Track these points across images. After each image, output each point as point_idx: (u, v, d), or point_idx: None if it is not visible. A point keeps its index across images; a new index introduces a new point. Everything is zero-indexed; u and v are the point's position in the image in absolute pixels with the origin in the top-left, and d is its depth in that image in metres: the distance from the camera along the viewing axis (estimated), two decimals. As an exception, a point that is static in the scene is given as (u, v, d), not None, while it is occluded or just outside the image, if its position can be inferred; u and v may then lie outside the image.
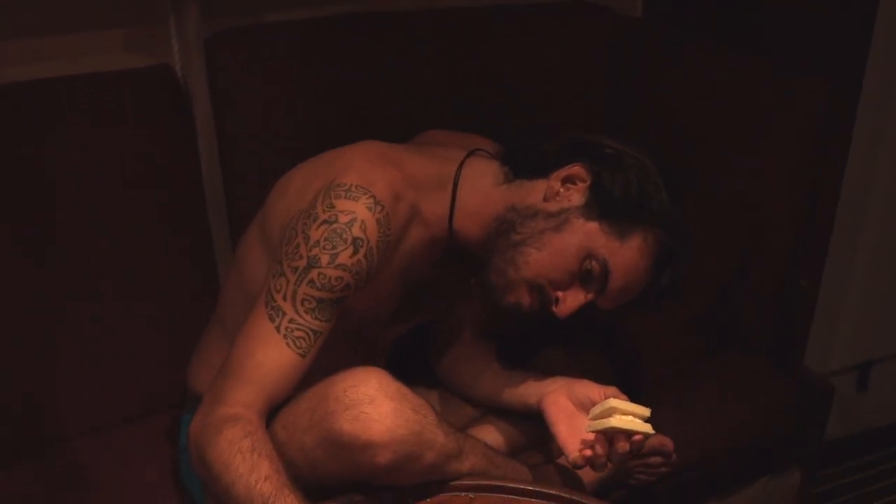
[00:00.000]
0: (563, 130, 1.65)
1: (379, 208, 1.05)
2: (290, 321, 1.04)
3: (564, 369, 1.24)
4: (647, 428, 1.10)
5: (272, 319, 1.04)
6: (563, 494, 1.11)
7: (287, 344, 1.04)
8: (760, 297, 1.59)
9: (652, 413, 1.12)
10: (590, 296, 1.11)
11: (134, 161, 1.37)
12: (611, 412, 1.10)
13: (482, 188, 1.14)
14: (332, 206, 1.04)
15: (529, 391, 1.22)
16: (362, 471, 1.02)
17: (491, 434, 1.27)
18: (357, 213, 1.04)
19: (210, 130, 1.45)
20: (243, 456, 0.99)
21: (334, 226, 1.03)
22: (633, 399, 1.13)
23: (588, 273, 1.09)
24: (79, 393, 1.37)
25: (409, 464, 1.03)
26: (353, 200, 1.04)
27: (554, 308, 1.11)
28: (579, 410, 1.17)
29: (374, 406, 1.00)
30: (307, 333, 1.05)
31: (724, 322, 1.58)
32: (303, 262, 1.04)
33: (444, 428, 1.07)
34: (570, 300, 1.10)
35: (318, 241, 1.03)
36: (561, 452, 1.27)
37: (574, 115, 1.74)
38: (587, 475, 1.25)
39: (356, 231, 1.03)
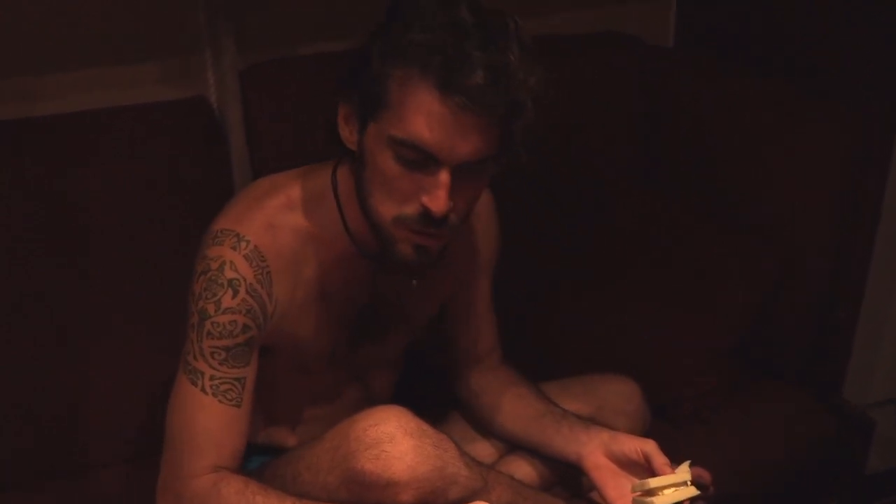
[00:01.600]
0: (595, 161, 1.73)
1: (244, 244, 1.06)
2: (211, 378, 1.06)
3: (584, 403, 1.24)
4: (691, 491, 1.09)
5: (194, 383, 1.06)
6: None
7: (219, 401, 1.06)
8: (797, 328, 1.57)
9: (689, 458, 1.12)
10: (440, 172, 0.98)
11: (169, 191, 1.38)
12: (653, 492, 1.09)
13: (354, 189, 1.09)
14: (205, 257, 1.06)
15: (566, 447, 1.20)
16: None
17: (519, 468, 1.26)
18: (224, 256, 1.05)
19: (244, 161, 1.46)
20: (263, 496, 1.03)
21: (209, 274, 1.05)
22: (669, 430, 1.12)
23: (412, 163, 0.98)
24: (115, 419, 1.38)
25: (434, 500, 1.03)
26: (219, 245, 1.06)
27: (432, 214, 0.99)
28: (621, 468, 1.17)
29: (395, 444, 1.00)
30: (232, 384, 1.07)
31: (759, 353, 1.57)
32: (196, 318, 1.06)
33: (467, 462, 1.07)
34: (431, 192, 0.98)
35: (200, 294, 1.05)
36: (591, 487, 1.27)
37: (606, 145, 1.73)
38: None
39: (228, 273, 1.05)
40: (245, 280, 1.05)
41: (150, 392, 1.38)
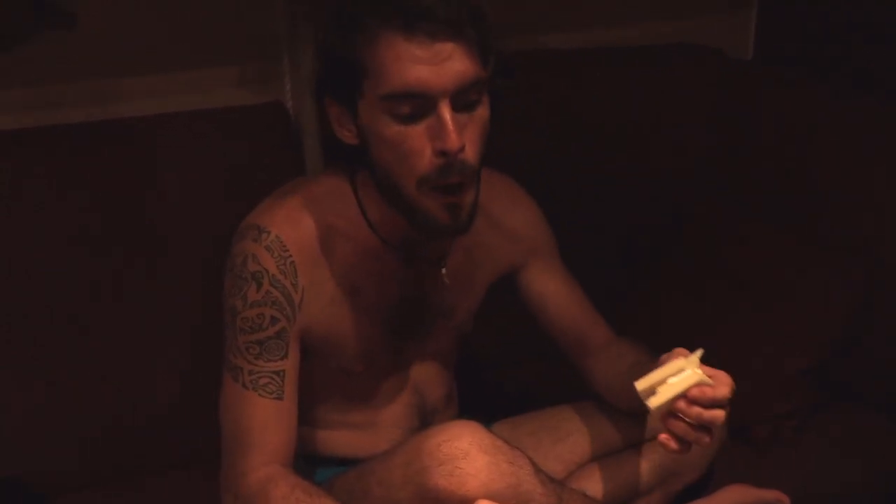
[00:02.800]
0: (673, 176, 1.70)
1: (265, 235, 1.07)
2: (250, 373, 1.07)
3: None
4: (693, 377, 1.01)
5: (236, 380, 1.08)
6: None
7: (259, 395, 1.07)
8: (881, 349, 1.51)
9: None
10: (439, 109, 0.98)
11: (244, 196, 1.31)
12: (650, 392, 1.03)
13: (373, 183, 1.10)
14: (231, 255, 1.09)
15: None
16: None
17: (591, 483, 1.23)
18: (246, 250, 1.07)
19: (320, 168, 1.47)
20: (306, 503, 1.02)
21: (235, 271, 1.07)
22: (748, 453, 1.08)
23: (410, 117, 0.99)
24: (178, 422, 1.38)
25: (508, 518, 1.01)
26: (241, 240, 1.08)
27: (448, 154, 0.99)
28: None
29: (469, 460, 0.99)
30: (271, 378, 1.07)
31: (842, 374, 1.52)
32: (228, 317, 1.08)
33: (541, 479, 1.05)
34: (440, 133, 0.98)
35: (229, 292, 1.08)
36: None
37: (683, 160, 1.72)
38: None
39: (251, 266, 1.06)
40: (268, 272, 1.07)
41: (209, 396, 1.39)
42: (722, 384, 1.03)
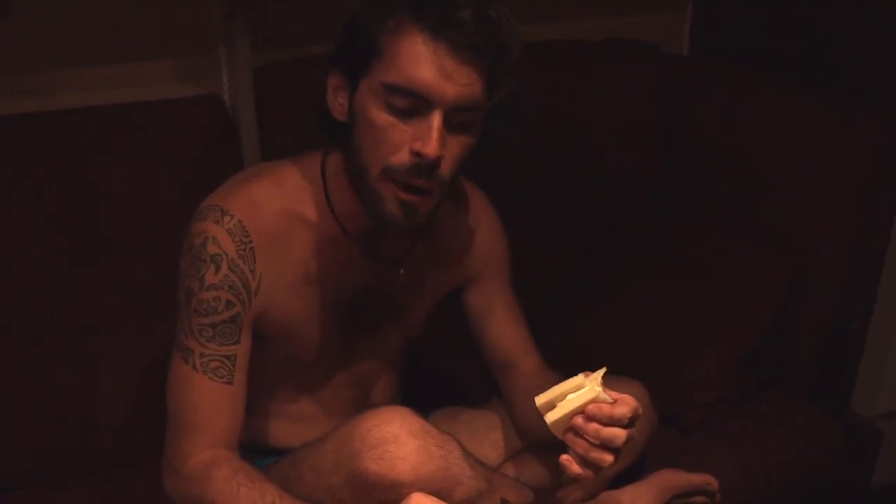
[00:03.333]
0: (611, 168, 1.70)
1: (227, 218, 1.06)
2: (201, 355, 1.07)
3: None
4: (589, 393, 0.97)
5: (185, 361, 1.07)
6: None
7: (209, 378, 1.07)
8: (807, 338, 1.56)
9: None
10: (432, 115, 0.99)
11: (181, 189, 1.37)
12: (550, 407, 1.00)
13: (343, 169, 1.10)
14: (189, 233, 1.08)
15: None
16: None
17: (526, 469, 1.25)
18: (207, 231, 1.06)
19: (257, 160, 1.45)
20: (247, 487, 1.02)
21: (193, 251, 1.07)
22: (677, 438, 1.07)
23: (403, 112, 1.00)
24: (136, 413, 1.37)
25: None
26: (203, 220, 1.07)
27: (423, 159, 1.00)
28: None
29: (399, 444, 1.00)
30: (221, 361, 1.07)
31: (770, 363, 1.55)
32: (183, 296, 1.07)
33: (471, 462, 1.06)
34: (423, 136, 0.99)
35: (186, 272, 1.07)
36: (599, 490, 1.27)
37: (622, 152, 1.73)
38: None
39: (210, 248, 1.06)
40: (227, 255, 1.06)
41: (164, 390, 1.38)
42: (623, 404, 0.98)
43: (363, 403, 1.25)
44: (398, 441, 1.00)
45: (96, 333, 1.35)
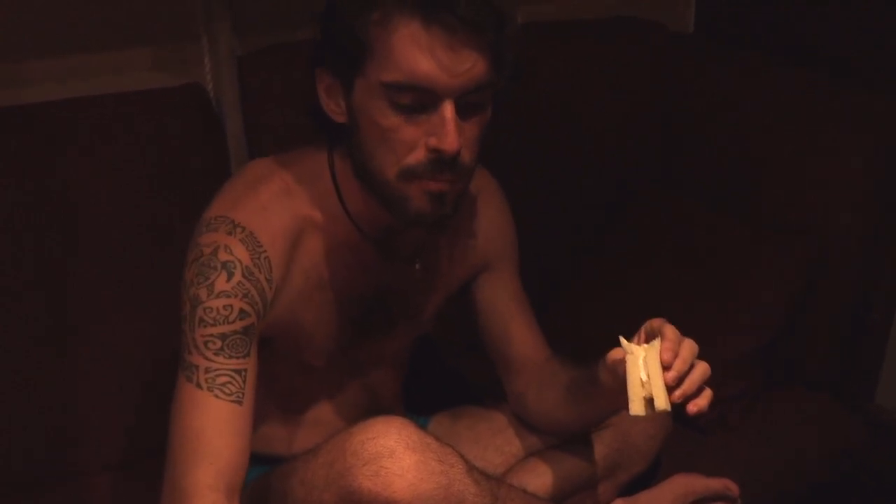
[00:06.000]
0: (613, 153, 1.68)
1: (239, 230, 1.00)
2: (207, 371, 0.97)
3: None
4: (651, 349, 0.98)
5: (190, 379, 0.97)
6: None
7: (215, 396, 0.97)
8: (826, 330, 1.51)
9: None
10: (443, 107, 0.93)
11: (163, 182, 1.34)
12: (648, 400, 0.97)
13: (352, 169, 1.04)
14: (197, 245, 1.01)
15: (590, 378, 1.10)
16: None
17: (535, 477, 1.20)
18: (219, 241, 1.00)
19: (242, 152, 1.41)
20: None
21: (201, 259, 0.99)
22: (693, 436, 1.05)
23: (410, 108, 0.94)
24: (102, 425, 1.33)
25: (438, 521, 0.96)
26: (213, 231, 1.01)
27: (444, 154, 0.94)
28: None
29: (395, 459, 0.94)
30: (231, 377, 0.98)
31: (786, 355, 1.51)
32: (188, 307, 0.99)
33: (475, 477, 1.00)
34: (438, 131, 0.93)
35: (192, 281, 0.99)
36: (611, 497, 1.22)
37: (625, 136, 1.69)
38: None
39: (223, 256, 0.98)
40: (241, 262, 0.99)
41: (142, 394, 1.33)
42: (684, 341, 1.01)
43: (369, 406, 1.20)
44: (394, 455, 0.94)
45: (71, 335, 1.29)
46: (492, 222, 1.20)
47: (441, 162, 0.95)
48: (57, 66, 1.36)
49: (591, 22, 1.69)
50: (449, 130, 0.93)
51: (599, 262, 1.59)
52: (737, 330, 1.43)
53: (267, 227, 1.01)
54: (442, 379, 1.48)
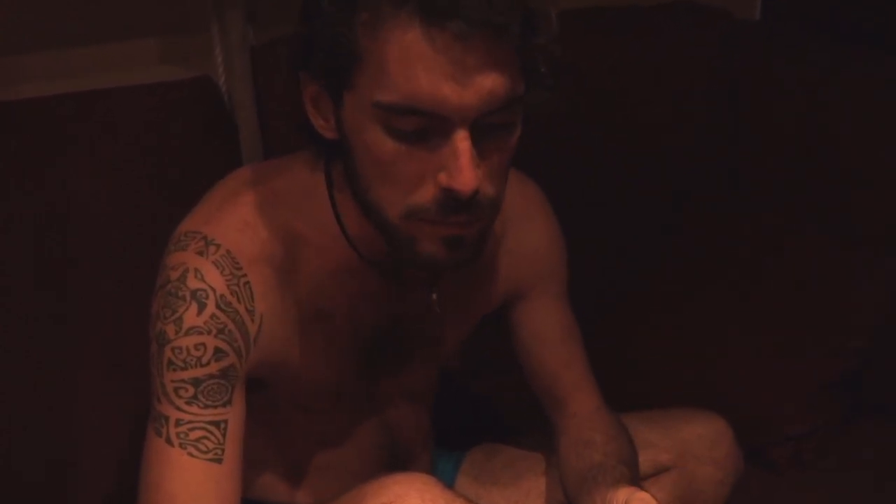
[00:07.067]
0: (673, 152, 1.58)
1: (213, 248, 0.86)
2: (178, 423, 0.84)
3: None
4: None
5: (159, 433, 0.85)
6: None
7: (189, 454, 0.83)
8: None
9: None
10: (455, 137, 0.76)
11: (173, 180, 1.27)
12: None
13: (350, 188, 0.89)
14: (164, 267, 0.87)
15: None
16: None
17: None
18: (187, 263, 0.86)
19: (256, 147, 1.35)
20: None
21: (167, 287, 0.86)
22: (766, 477, 0.95)
23: (413, 135, 0.77)
24: (102, 424, 1.25)
25: None
26: (182, 251, 0.87)
27: (457, 195, 0.77)
28: None
29: None
30: (207, 430, 0.84)
31: (869, 386, 1.39)
32: (154, 347, 0.85)
33: None
34: (450, 166, 0.77)
35: (157, 314, 0.85)
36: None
37: (690, 135, 1.60)
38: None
39: (192, 283, 0.84)
40: (214, 291, 0.85)
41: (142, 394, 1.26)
42: None
43: (390, 449, 1.08)
44: None
45: (62, 352, 1.22)
46: (532, 242, 1.05)
47: (456, 202, 0.78)
48: (58, 60, 1.31)
49: (646, 8, 1.60)
50: (463, 166, 0.76)
51: (654, 277, 1.50)
52: (814, 356, 1.34)
53: (248, 246, 0.87)
54: (476, 410, 1.39)
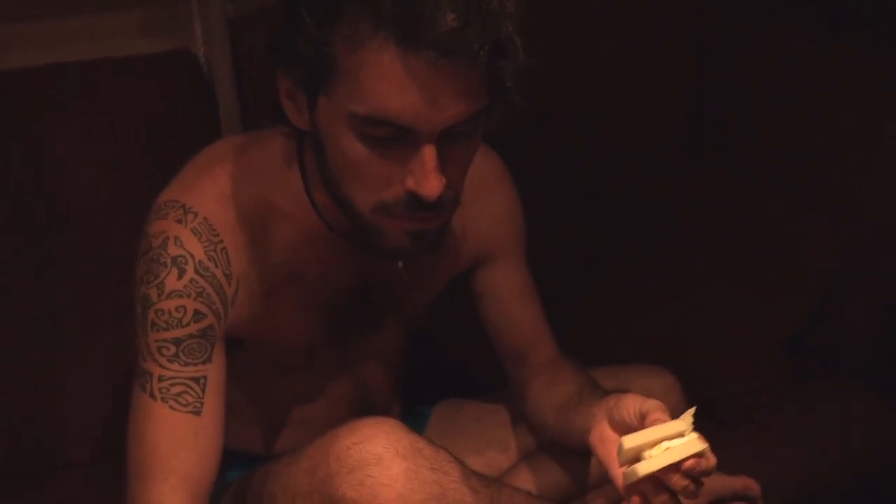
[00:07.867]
0: (641, 123, 1.60)
1: (191, 216, 0.92)
2: (160, 379, 0.90)
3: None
4: (695, 445, 0.87)
5: (143, 388, 0.91)
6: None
7: (170, 407, 0.90)
8: (863, 317, 1.44)
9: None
10: (422, 148, 0.82)
11: (151, 154, 1.30)
12: (638, 452, 0.88)
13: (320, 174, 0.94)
14: (146, 234, 0.93)
15: (581, 427, 1.02)
16: None
17: (542, 476, 1.12)
18: (167, 231, 0.92)
19: (235, 120, 1.38)
20: None
21: (150, 254, 0.92)
22: (716, 432, 0.95)
23: (384, 142, 0.83)
24: (88, 415, 1.29)
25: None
26: (162, 219, 0.93)
27: (421, 199, 0.84)
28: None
29: (382, 467, 0.86)
30: (187, 385, 0.90)
31: (818, 345, 1.45)
32: (139, 309, 0.92)
33: (472, 485, 0.93)
34: (416, 173, 0.83)
35: (141, 279, 0.91)
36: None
37: (657, 102, 1.62)
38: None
39: (172, 250, 0.90)
40: (193, 257, 0.91)
41: (120, 383, 1.27)
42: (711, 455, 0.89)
43: (363, 403, 1.13)
44: (382, 463, 0.86)
45: (49, 321, 1.26)
46: (492, 211, 1.10)
47: (421, 202, 0.84)
48: (38, 31, 1.34)
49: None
50: (429, 173, 0.82)
51: (619, 239, 1.53)
52: (766, 315, 1.38)
53: (224, 214, 0.93)
54: (445, 366, 1.42)
